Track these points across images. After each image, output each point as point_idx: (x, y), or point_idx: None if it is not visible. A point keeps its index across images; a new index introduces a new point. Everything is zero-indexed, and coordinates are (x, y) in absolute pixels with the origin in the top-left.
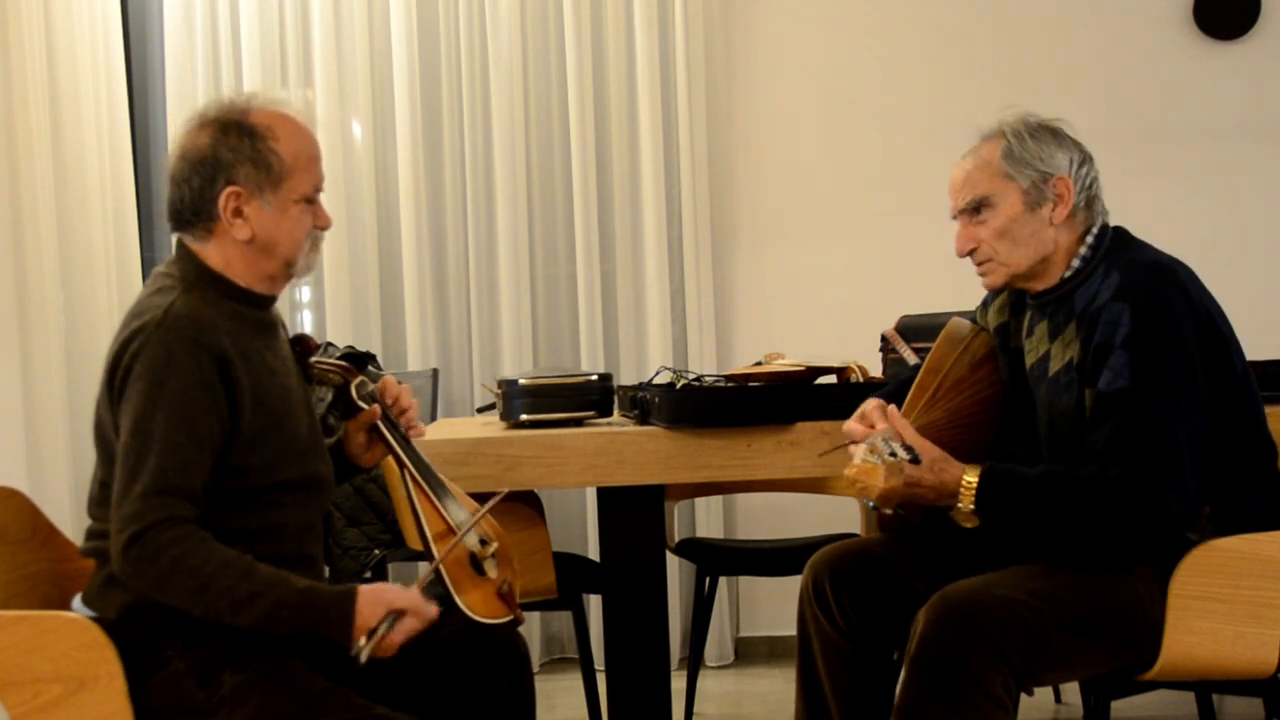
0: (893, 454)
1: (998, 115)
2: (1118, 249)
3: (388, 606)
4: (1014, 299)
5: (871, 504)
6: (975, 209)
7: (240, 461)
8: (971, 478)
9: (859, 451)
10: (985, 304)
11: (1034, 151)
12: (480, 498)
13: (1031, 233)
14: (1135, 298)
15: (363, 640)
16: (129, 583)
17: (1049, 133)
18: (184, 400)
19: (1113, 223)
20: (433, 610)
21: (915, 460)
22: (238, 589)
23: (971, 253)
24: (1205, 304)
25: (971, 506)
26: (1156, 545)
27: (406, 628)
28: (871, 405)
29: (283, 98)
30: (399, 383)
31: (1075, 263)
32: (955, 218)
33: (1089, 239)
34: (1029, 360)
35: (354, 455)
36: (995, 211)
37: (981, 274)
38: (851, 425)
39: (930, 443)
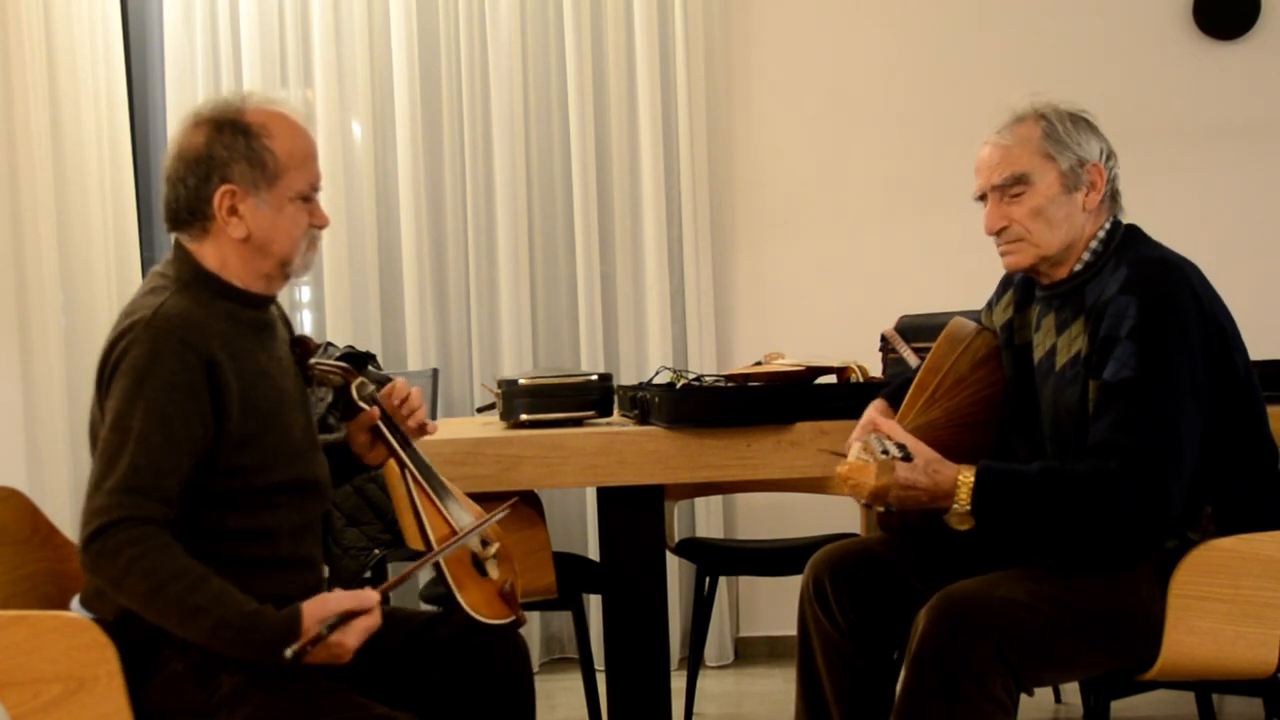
0: (885, 452)
1: (1029, 98)
2: (1128, 245)
3: (333, 612)
4: (1020, 295)
5: (864, 503)
6: (1010, 186)
7: (230, 463)
8: (967, 476)
9: (853, 450)
10: (990, 305)
11: (1073, 134)
12: (479, 498)
13: (1065, 215)
14: (1142, 291)
15: (294, 645)
16: (89, 575)
17: (1083, 121)
18: (163, 400)
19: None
20: (375, 596)
21: (907, 458)
22: (186, 600)
23: (1000, 232)
24: (1211, 303)
25: (968, 507)
26: (1154, 538)
27: (360, 627)
28: (874, 409)
29: (279, 96)
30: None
31: (1086, 256)
32: (982, 197)
33: (1101, 233)
34: (1036, 355)
35: (360, 454)
36: (1033, 190)
37: (1007, 253)
38: (880, 424)
39: (924, 444)
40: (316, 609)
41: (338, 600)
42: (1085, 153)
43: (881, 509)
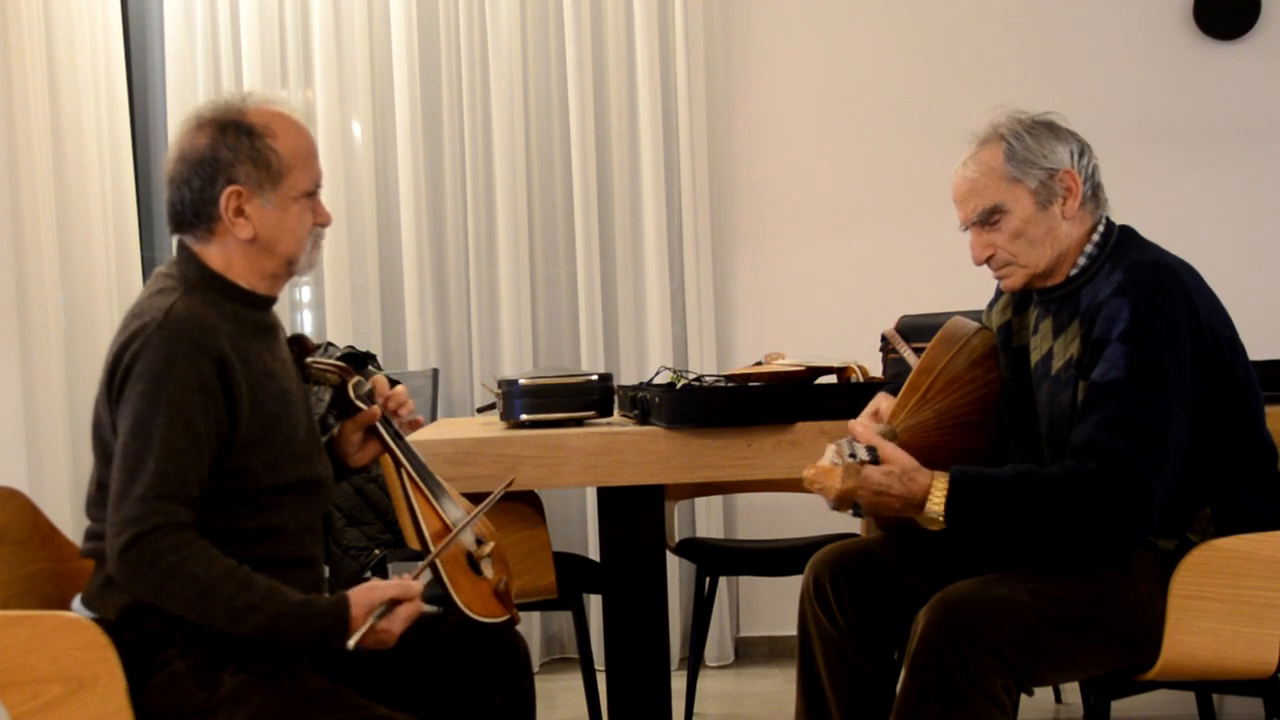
0: (853, 455)
1: (988, 117)
2: (1123, 247)
3: (379, 601)
4: (1018, 297)
5: (832, 506)
6: (986, 218)
7: (239, 464)
8: (941, 483)
9: (826, 454)
10: (991, 305)
11: (1035, 149)
12: (478, 499)
13: (1047, 231)
14: (1136, 294)
15: (355, 636)
16: (124, 586)
17: (1045, 127)
18: (183, 404)
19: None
20: (418, 585)
21: (874, 461)
22: (237, 599)
23: (988, 259)
24: (1208, 306)
25: (940, 512)
26: (1132, 538)
27: (404, 614)
28: (874, 405)
29: (278, 96)
30: (391, 384)
31: (1081, 260)
32: (965, 229)
33: (1095, 236)
34: (1033, 359)
35: (346, 454)
36: (1009, 216)
37: (1001, 277)
38: (854, 426)
39: (905, 453)
40: (362, 596)
41: (383, 589)
42: (1053, 162)
43: (849, 512)
